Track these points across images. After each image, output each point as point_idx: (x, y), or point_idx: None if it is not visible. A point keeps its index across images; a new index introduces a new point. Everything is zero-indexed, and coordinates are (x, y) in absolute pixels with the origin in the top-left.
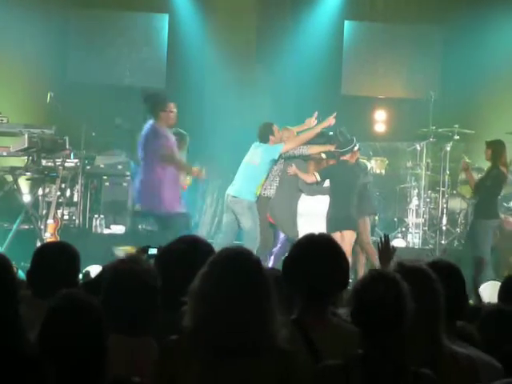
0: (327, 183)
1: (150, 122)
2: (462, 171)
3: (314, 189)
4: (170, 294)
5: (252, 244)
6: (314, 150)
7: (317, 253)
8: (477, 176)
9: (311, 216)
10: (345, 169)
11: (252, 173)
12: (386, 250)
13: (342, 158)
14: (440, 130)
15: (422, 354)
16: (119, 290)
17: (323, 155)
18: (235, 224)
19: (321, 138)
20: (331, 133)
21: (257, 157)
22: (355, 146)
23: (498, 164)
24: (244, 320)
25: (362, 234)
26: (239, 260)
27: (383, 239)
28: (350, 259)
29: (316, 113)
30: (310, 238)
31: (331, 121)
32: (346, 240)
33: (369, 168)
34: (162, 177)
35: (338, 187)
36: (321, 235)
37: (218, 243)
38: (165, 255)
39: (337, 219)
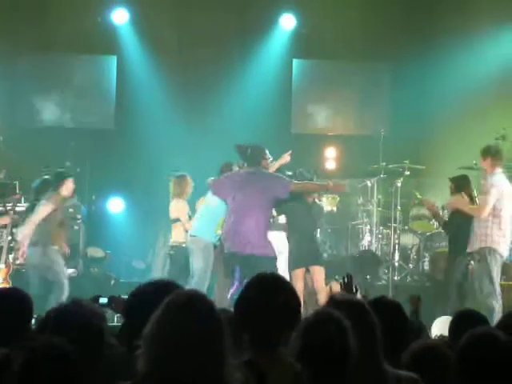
0: (282, 219)
1: (252, 168)
2: (413, 207)
3: (270, 224)
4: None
5: (199, 286)
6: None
7: (266, 292)
8: (428, 211)
9: None
10: (302, 204)
11: (210, 213)
12: (349, 288)
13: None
14: (390, 165)
15: (366, 380)
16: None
17: None
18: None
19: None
20: (290, 173)
21: (214, 198)
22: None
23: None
24: (197, 364)
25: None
26: (192, 304)
27: (346, 279)
28: (325, 293)
29: (290, 151)
30: (260, 278)
31: (286, 158)
32: (316, 276)
33: (324, 211)
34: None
35: (297, 222)
36: (271, 275)
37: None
38: (133, 298)
39: (300, 255)
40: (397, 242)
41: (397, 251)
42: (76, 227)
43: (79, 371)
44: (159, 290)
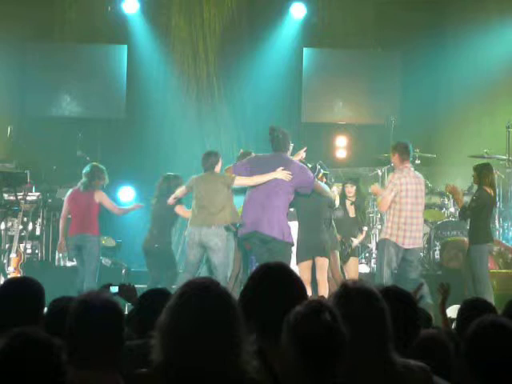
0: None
1: (279, 154)
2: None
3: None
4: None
5: (224, 275)
6: (259, 179)
7: (270, 281)
8: (439, 199)
9: None
10: (309, 196)
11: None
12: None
13: None
14: None
15: (374, 370)
16: (85, 319)
17: None
18: (200, 261)
19: None
20: (310, 165)
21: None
22: (319, 172)
23: (482, 186)
24: (214, 352)
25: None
26: (207, 292)
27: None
28: (326, 285)
29: (305, 148)
30: (264, 268)
31: (302, 154)
32: (320, 267)
33: (336, 206)
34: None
35: (305, 213)
36: (275, 264)
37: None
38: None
39: (307, 246)
40: None
41: None
42: None
43: (59, 363)
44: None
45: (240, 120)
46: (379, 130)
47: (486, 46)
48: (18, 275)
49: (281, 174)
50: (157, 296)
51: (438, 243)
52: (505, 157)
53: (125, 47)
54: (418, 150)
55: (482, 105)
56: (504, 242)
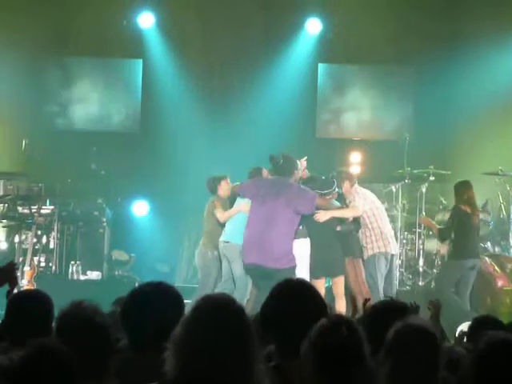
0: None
1: (280, 179)
2: (438, 213)
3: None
4: (137, 336)
5: (241, 292)
6: (225, 215)
7: (294, 298)
8: None
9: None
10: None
11: (241, 217)
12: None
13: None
14: (415, 171)
15: None
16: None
17: None
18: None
19: (313, 183)
20: (323, 177)
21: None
22: (335, 188)
23: (457, 204)
24: (227, 369)
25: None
26: (223, 308)
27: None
28: (343, 301)
29: (305, 157)
30: (287, 284)
31: (303, 163)
32: (335, 283)
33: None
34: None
35: (314, 230)
36: (297, 280)
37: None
38: (131, 299)
39: (321, 264)
40: (421, 247)
41: (421, 257)
42: (101, 230)
43: (73, 372)
44: (157, 290)
45: (254, 135)
46: (393, 147)
47: (503, 63)
48: (32, 288)
49: (243, 208)
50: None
51: None
52: None
53: (140, 61)
54: (432, 167)
55: (498, 122)
56: None
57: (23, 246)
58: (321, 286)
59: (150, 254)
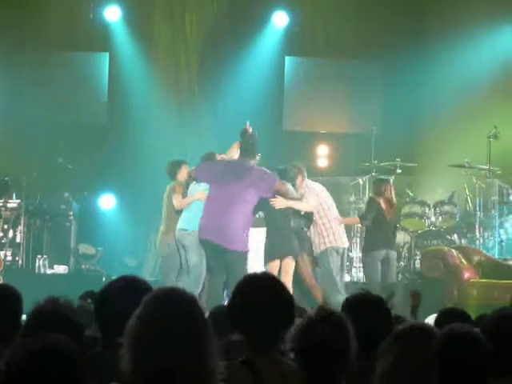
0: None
1: (241, 160)
2: (405, 205)
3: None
4: (109, 334)
5: (194, 281)
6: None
7: (257, 292)
8: (420, 209)
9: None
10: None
11: (199, 204)
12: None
13: None
14: (382, 163)
15: None
16: (39, 328)
17: None
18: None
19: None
20: (281, 167)
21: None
22: (297, 175)
23: (373, 197)
24: (182, 360)
25: (302, 274)
26: (173, 298)
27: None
28: (291, 290)
29: (237, 142)
30: (251, 278)
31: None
32: (285, 269)
33: (302, 213)
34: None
35: (273, 216)
36: (262, 274)
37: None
38: (102, 295)
39: (275, 247)
40: None
41: None
42: (68, 224)
43: (80, 372)
44: (129, 285)
45: (221, 128)
46: (360, 140)
47: (469, 56)
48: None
49: (200, 195)
50: None
51: (418, 252)
52: (486, 166)
53: (106, 55)
54: (398, 160)
55: (464, 114)
56: (484, 251)
57: None
58: (274, 269)
59: (118, 247)
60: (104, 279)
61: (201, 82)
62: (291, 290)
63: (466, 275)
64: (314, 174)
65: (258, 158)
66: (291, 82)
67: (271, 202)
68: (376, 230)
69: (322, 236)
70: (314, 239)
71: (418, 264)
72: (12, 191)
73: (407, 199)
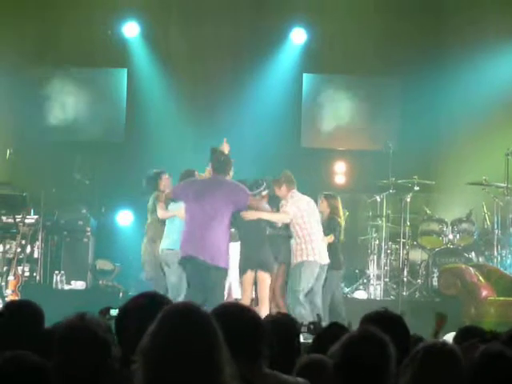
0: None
1: (214, 176)
2: (422, 223)
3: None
4: (128, 351)
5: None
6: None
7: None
8: (438, 226)
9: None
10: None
11: (182, 226)
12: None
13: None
14: (400, 181)
15: None
16: (69, 343)
17: None
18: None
19: (242, 183)
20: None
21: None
22: (264, 189)
23: (334, 215)
24: (195, 376)
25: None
26: (189, 315)
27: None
28: (267, 308)
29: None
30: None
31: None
32: (262, 282)
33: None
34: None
35: (245, 231)
36: (233, 303)
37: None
38: (123, 311)
39: (250, 259)
40: (406, 257)
41: (405, 266)
42: (85, 240)
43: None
44: (149, 301)
45: (239, 144)
46: (378, 156)
47: (487, 73)
48: (16, 298)
49: (179, 213)
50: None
51: (436, 270)
52: (504, 184)
53: (124, 71)
54: (416, 177)
55: (482, 132)
56: (502, 269)
57: (7, 256)
58: (249, 281)
59: (135, 263)
60: (121, 295)
61: (219, 99)
62: (266, 303)
63: (484, 293)
64: (332, 190)
65: (231, 173)
66: (309, 99)
67: (242, 215)
68: (337, 247)
69: (300, 248)
70: (294, 250)
71: (435, 282)
72: (30, 207)
73: (425, 217)
